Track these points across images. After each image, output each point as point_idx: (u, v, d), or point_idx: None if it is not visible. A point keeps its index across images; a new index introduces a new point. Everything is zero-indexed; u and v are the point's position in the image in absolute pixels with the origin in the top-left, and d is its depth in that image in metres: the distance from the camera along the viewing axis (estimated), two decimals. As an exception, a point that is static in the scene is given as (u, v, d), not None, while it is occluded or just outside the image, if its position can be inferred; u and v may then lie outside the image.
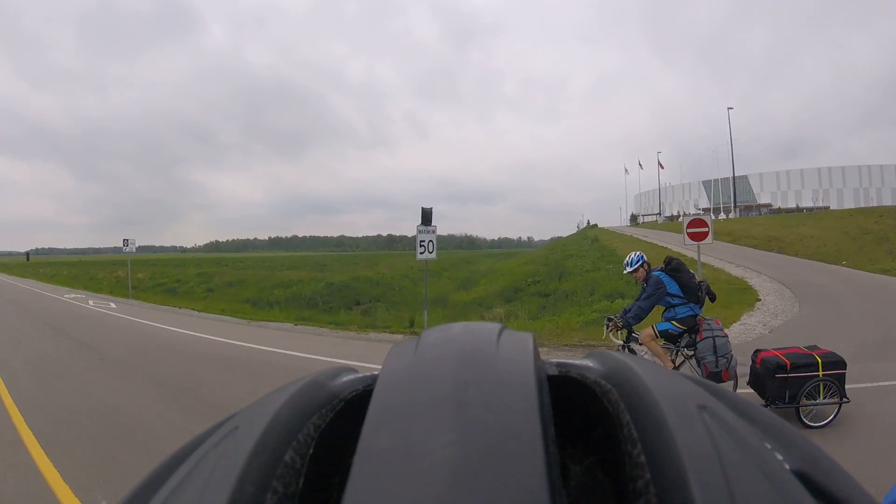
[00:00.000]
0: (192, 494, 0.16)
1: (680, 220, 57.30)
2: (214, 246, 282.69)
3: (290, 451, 0.18)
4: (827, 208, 49.86)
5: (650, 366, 0.21)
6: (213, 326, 9.53)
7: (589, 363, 0.22)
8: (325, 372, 0.23)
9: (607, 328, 4.31)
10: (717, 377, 4.02)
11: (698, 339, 4.08)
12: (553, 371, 0.22)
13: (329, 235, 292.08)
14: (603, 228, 49.73)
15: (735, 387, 4.25)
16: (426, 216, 7.55)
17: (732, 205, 56.87)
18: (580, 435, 0.21)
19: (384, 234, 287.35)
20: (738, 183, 60.12)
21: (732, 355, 4.11)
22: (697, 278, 4.21)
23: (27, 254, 53.45)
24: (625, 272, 4.43)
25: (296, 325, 9.63)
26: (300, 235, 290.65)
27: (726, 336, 4.14)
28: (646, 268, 4.30)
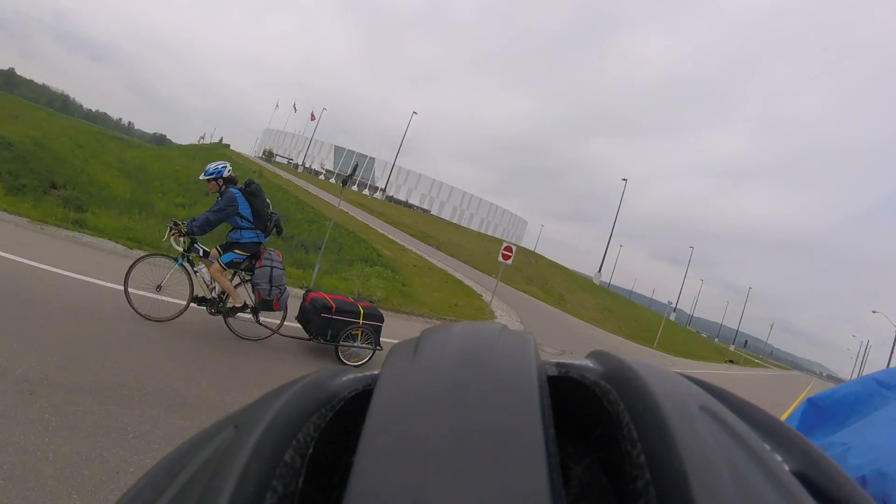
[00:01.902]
0: (192, 494, 0.16)
1: (322, 176, 60.67)
2: None
3: (290, 451, 0.18)
4: (428, 211, 65.60)
5: (650, 367, 0.21)
6: None
7: (589, 363, 0.22)
8: (326, 371, 0.23)
9: (170, 231, 4.09)
10: (268, 305, 4.22)
11: (257, 266, 4.16)
12: (553, 371, 0.22)
13: None
14: (244, 155, 44.51)
15: (283, 318, 4.51)
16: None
17: (382, 187, 65.57)
18: (580, 435, 0.21)
19: None
20: (366, 163, 69.76)
21: (286, 288, 4.32)
22: (270, 209, 4.33)
23: None
24: (201, 178, 4.27)
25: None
26: None
27: (283, 270, 4.28)
28: (222, 182, 4.21)
